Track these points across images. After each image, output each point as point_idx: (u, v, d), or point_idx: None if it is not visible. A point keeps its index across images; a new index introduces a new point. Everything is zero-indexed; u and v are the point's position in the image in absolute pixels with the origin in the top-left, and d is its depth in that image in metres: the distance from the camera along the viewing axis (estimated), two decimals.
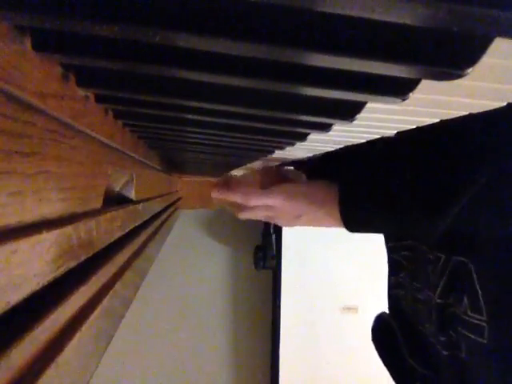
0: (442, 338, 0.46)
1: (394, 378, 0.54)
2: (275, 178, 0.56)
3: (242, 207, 0.56)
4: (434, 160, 0.40)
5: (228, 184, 0.55)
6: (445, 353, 0.46)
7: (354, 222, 0.45)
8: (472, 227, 0.42)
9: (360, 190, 0.45)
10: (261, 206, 0.52)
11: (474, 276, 0.42)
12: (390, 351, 0.57)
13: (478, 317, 0.42)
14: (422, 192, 0.40)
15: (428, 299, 0.49)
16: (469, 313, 0.43)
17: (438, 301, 0.46)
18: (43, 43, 0.21)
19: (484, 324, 0.41)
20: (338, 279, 1.83)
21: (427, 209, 0.40)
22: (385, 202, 0.42)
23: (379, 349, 0.60)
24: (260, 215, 0.54)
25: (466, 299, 0.43)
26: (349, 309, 1.81)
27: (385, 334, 0.59)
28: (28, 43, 0.21)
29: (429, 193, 0.40)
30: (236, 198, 0.53)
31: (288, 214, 0.51)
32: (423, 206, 0.40)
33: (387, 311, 0.62)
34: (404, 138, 0.37)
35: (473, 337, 0.42)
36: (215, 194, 0.55)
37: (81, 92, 0.30)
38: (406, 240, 0.54)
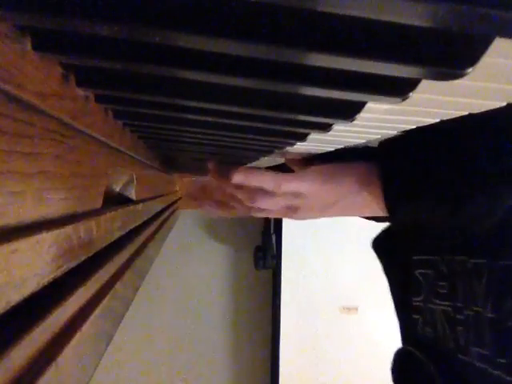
0: (503, 361, 0.38)
1: None
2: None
3: (245, 206, 0.47)
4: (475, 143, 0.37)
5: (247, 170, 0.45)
6: (508, 379, 0.38)
7: (399, 201, 0.39)
8: None
9: (404, 168, 0.39)
10: (288, 193, 0.43)
11: None
12: None
13: None
14: (469, 176, 0.36)
15: (474, 318, 0.41)
16: None
17: (490, 315, 0.39)
18: (43, 43, 0.21)
19: None
20: (337, 279, 1.83)
21: (478, 191, 0.36)
22: (432, 182, 0.37)
23: None
24: (281, 205, 0.44)
25: None
26: (349, 309, 1.81)
27: (412, 372, 0.49)
28: (28, 43, 0.21)
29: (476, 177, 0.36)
30: (265, 182, 0.43)
31: (321, 202, 0.43)
32: (472, 190, 0.36)
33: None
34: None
35: None
36: (238, 178, 0.43)
37: (81, 92, 0.30)
38: (436, 253, 0.46)
